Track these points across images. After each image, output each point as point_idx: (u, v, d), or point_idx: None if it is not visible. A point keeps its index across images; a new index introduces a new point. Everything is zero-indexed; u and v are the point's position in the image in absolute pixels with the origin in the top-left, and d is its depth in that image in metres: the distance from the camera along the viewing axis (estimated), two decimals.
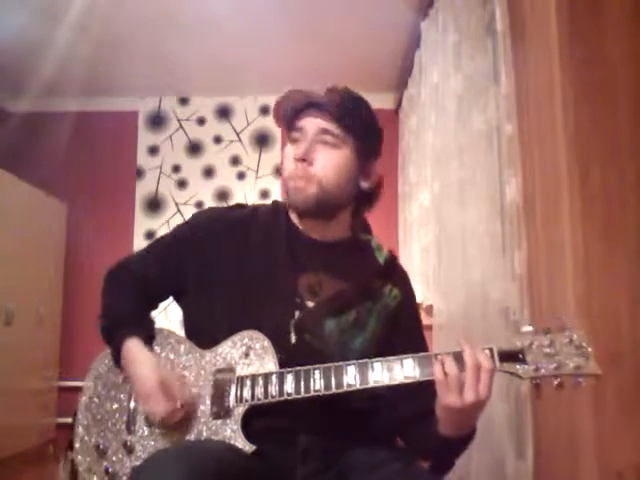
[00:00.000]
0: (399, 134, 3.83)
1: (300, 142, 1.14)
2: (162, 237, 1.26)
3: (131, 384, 1.09)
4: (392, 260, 1.22)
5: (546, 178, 1.52)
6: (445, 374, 0.91)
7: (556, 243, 1.44)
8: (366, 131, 1.16)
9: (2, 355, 3.17)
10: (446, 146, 2.33)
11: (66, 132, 3.97)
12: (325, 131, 1.12)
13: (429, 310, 2.72)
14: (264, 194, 4.03)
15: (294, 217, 1.19)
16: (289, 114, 1.17)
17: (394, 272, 1.21)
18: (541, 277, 1.55)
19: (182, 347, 1.13)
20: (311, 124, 1.13)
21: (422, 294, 2.91)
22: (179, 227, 1.24)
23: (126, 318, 1.16)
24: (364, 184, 1.18)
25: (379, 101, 4.03)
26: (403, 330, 1.15)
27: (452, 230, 2.23)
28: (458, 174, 2.16)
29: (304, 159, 1.11)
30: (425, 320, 2.80)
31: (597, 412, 1.26)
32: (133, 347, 1.10)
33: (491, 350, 0.94)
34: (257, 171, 4.11)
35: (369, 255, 1.20)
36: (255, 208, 1.24)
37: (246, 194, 4.06)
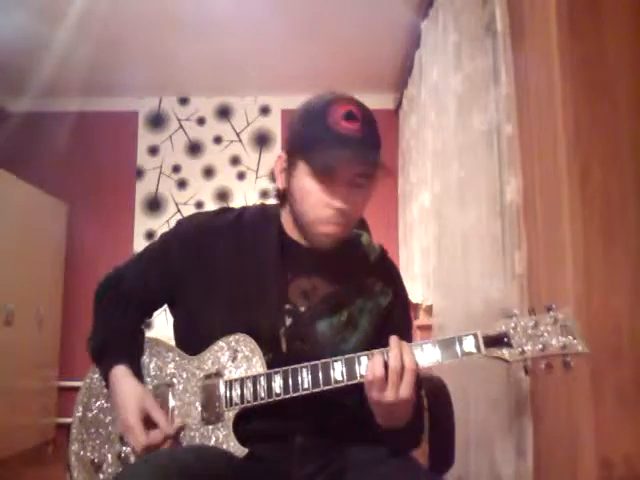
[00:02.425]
0: (399, 134, 3.83)
1: (335, 186, 1.02)
2: (151, 246, 1.23)
3: (116, 412, 1.08)
4: (383, 257, 1.21)
5: (546, 178, 1.52)
6: (373, 375, 0.92)
7: (556, 243, 1.45)
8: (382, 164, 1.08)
9: (2, 355, 3.17)
10: (446, 146, 2.33)
11: (66, 132, 3.98)
12: (359, 175, 1.03)
13: (429, 310, 2.72)
14: (264, 194, 4.03)
15: (287, 226, 1.14)
16: (323, 152, 1.00)
17: (385, 268, 1.20)
18: (541, 277, 1.55)
19: (170, 355, 1.12)
20: (346, 167, 1.01)
21: (422, 294, 2.92)
22: (167, 234, 1.21)
23: (114, 340, 1.14)
24: None
25: (379, 101, 4.04)
26: (394, 327, 1.13)
27: (452, 230, 2.23)
28: (458, 174, 2.16)
29: (345, 213, 1.03)
30: (425, 320, 2.82)
31: (597, 409, 1.26)
32: (118, 376, 1.09)
33: (475, 336, 0.94)
34: (257, 171, 4.12)
35: (360, 253, 1.18)
36: (241, 212, 1.19)
37: (246, 194, 4.07)
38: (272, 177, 1.18)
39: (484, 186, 1.94)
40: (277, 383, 0.99)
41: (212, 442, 1.01)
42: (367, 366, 0.94)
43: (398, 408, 0.94)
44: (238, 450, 0.99)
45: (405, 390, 0.92)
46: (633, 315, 1.29)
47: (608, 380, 1.27)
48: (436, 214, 2.53)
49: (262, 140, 4.13)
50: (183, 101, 4.23)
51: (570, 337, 0.91)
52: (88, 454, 1.09)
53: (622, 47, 1.39)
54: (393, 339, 0.95)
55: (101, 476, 1.06)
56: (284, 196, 1.12)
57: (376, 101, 4.03)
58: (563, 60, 1.40)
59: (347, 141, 1.00)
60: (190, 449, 1.00)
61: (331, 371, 0.97)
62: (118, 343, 1.14)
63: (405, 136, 3.59)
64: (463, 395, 1.94)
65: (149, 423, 1.03)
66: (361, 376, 0.96)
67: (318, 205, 1.03)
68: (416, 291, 3.06)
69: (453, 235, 2.22)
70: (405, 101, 3.63)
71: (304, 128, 1.05)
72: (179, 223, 1.22)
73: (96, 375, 1.16)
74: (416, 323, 3.00)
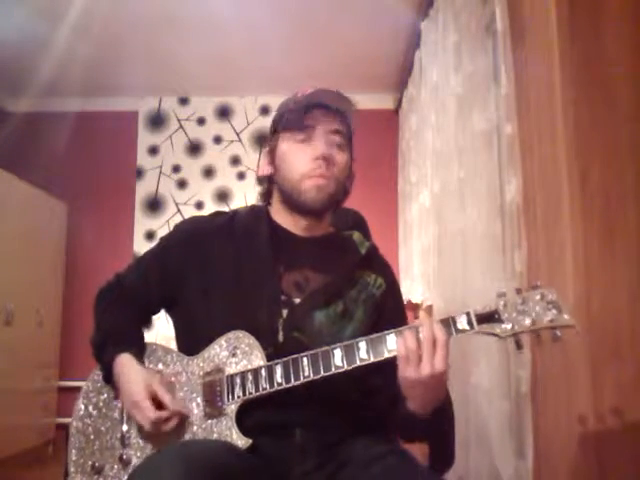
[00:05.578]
0: (399, 134, 3.83)
1: (313, 141, 1.13)
2: (150, 250, 1.26)
3: (121, 396, 1.10)
4: (373, 250, 1.25)
5: (546, 178, 1.52)
6: (406, 348, 0.94)
7: (556, 243, 1.45)
8: (353, 134, 1.22)
9: (2, 355, 3.17)
10: (446, 146, 2.33)
11: (66, 132, 3.98)
12: (336, 132, 1.14)
13: (429, 310, 2.72)
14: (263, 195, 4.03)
15: (278, 216, 1.20)
16: (296, 114, 1.14)
17: (376, 261, 1.24)
18: (541, 277, 1.55)
19: (169, 357, 1.13)
20: (324, 124, 1.14)
21: (422, 294, 2.92)
22: (165, 238, 1.25)
23: (117, 334, 1.16)
24: (348, 182, 1.22)
25: (379, 101, 4.04)
26: (389, 317, 1.17)
27: (452, 230, 2.23)
28: (458, 174, 2.16)
29: (327, 158, 1.11)
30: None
31: (597, 409, 1.26)
32: (124, 362, 1.11)
33: (468, 314, 0.98)
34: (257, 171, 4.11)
35: (351, 248, 1.22)
36: (234, 213, 1.24)
37: (246, 194, 4.07)
38: (259, 181, 1.25)
39: (484, 186, 1.94)
40: (278, 373, 1.01)
41: (215, 435, 1.02)
42: (398, 342, 0.96)
43: (433, 386, 0.96)
44: (242, 441, 1.00)
45: (440, 362, 0.93)
46: (633, 315, 1.29)
47: (608, 380, 1.27)
48: (436, 214, 2.53)
49: (262, 140, 4.12)
50: (183, 101, 4.23)
51: (556, 312, 0.96)
52: (87, 459, 1.10)
53: (622, 47, 1.39)
54: (422, 315, 0.98)
55: None
56: (271, 184, 1.21)
57: (376, 101, 4.03)
58: (563, 60, 1.40)
59: (314, 97, 1.14)
60: (198, 442, 1.02)
61: (331, 358, 0.99)
62: (121, 336, 1.16)
63: (405, 136, 3.59)
64: (463, 395, 1.94)
65: (156, 404, 1.04)
66: (361, 360, 0.98)
67: (301, 161, 1.13)
68: (416, 291, 3.06)
69: (453, 235, 2.22)
70: (405, 101, 3.63)
71: (279, 110, 1.20)
72: (176, 226, 1.27)
73: (95, 377, 1.17)
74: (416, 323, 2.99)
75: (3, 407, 3.12)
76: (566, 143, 1.38)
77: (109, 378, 1.13)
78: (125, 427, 1.10)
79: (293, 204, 1.16)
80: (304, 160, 1.12)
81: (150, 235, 4.03)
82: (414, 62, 3.17)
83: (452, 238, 2.23)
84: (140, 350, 1.14)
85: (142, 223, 4.08)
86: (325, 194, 1.13)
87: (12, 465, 3.12)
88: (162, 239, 1.25)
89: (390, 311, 1.19)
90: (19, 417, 3.32)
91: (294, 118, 1.14)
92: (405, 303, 3.24)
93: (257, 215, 1.22)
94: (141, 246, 3.98)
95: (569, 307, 0.97)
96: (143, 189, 4.13)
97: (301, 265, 1.15)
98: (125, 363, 1.10)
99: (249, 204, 1.29)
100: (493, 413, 1.79)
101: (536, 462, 1.55)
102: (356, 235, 1.26)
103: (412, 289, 3.16)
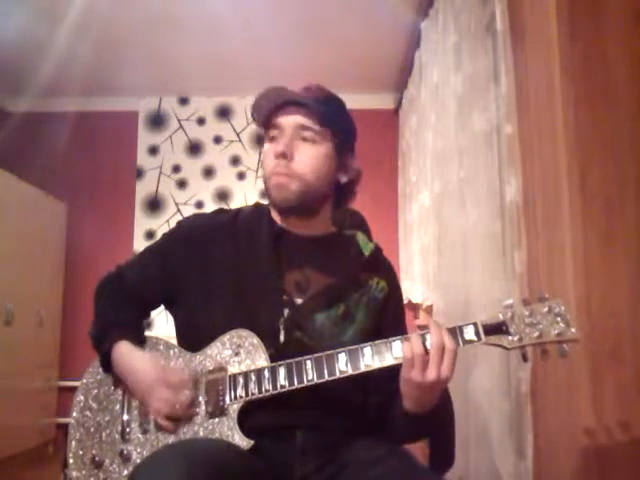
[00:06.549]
0: (399, 134, 3.83)
1: (279, 139, 1.13)
2: (152, 245, 1.26)
3: (129, 382, 1.09)
4: (377, 252, 1.24)
5: (546, 178, 1.52)
6: (412, 352, 0.94)
7: (556, 243, 1.45)
8: (342, 126, 1.18)
9: (2, 355, 3.17)
10: (446, 146, 2.33)
11: (66, 132, 3.98)
12: (303, 127, 1.12)
13: (429, 310, 2.73)
14: (264, 194, 4.02)
15: (277, 216, 1.20)
16: (266, 112, 1.15)
17: (380, 264, 1.23)
18: (541, 277, 1.55)
19: (171, 352, 1.13)
20: (289, 120, 1.13)
21: (422, 294, 2.92)
22: (167, 234, 1.25)
23: (116, 323, 1.16)
24: (343, 178, 1.20)
25: (379, 101, 4.04)
26: (390, 321, 1.17)
27: (452, 230, 2.23)
28: (458, 174, 2.16)
29: (284, 155, 1.11)
30: (425, 320, 2.81)
31: (596, 409, 1.26)
32: (125, 348, 1.11)
33: (475, 325, 0.97)
34: (257, 171, 4.11)
35: (354, 249, 1.21)
36: (238, 211, 1.25)
37: (246, 194, 4.07)
38: None
39: (484, 186, 1.94)
40: (281, 375, 1.00)
41: (217, 435, 1.02)
42: (404, 346, 0.95)
43: (436, 390, 0.96)
44: (244, 442, 1.00)
45: (447, 369, 0.93)
46: (633, 315, 1.29)
47: (608, 380, 1.27)
48: (436, 214, 2.53)
49: (262, 140, 4.11)
50: (183, 101, 4.23)
51: (563, 325, 0.95)
52: (88, 453, 1.09)
53: (622, 47, 1.39)
54: (422, 315, 0.97)
55: (101, 475, 1.06)
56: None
57: (376, 101, 4.03)
58: (563, 60, 1.40)
59: (288, 97, 1.13)
60: (201, 440, 1.02)
61: (335, 362, 0.98)
62: (120, 325, 1.16)
63: (405, 136, 3.59)
64: (463, 395, 1.94)
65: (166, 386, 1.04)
66: (366, 366, 0.97)
67: (267, 158, 1.15)
68: (416, 291, 3.06)
69: (453, 235, 2.22)
70: (405, 101, 3.63)
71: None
72: (179, 223, 1.26)
73: (94, 374, 1.16)
74: (416, 323, 3.00)
75: (3, 407, 3.12)
76: (566, 143, 1.38)
77: (108, 367, 1.12)
78: (126, 418, 1.09)
79: (269, 199, 1.17)
80: (269, 156, 1.14)
81: (150, 235, 4.02)
82: (414, 62, 3.17)
83: (452, 238, 2.23)
84: (139, 340, 1.14)
85: (142, 223, 4.08)
86: (287, 192, 1.11)
87: (12, 465, 3.12)
88: (164, 235, 1.25)
89: (391, 314, 1.18)
90: (19, 417, 3.32)
91: (264, 116, 1.15)
92: (405, 303, 3.24)
93: (260, 214, 1.22)
94: (141, 246, 3.97)
95: (575, 319, 0.96)
96: (143, 189, 4.13)
97: (302, 265, 1.14)
98: (124, 351, 1.10)
99: (252, 203, 1.29)
100: (493, 413, 1.79)
101: (536, 462, 1.55)
102: (360, 236, 1.25)
103: (412, 289, 3.16)
